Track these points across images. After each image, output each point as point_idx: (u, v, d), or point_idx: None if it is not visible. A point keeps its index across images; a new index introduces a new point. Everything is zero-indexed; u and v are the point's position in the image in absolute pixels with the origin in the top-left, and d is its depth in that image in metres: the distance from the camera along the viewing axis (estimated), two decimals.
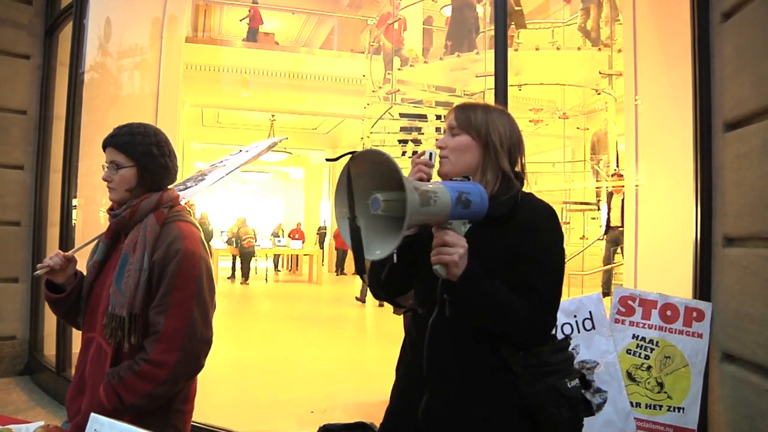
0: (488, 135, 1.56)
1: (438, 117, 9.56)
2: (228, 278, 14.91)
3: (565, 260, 1.58)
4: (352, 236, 1.27)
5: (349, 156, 1.30)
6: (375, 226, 1.28)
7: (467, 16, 8.88)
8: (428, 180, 1.53)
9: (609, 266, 8.15)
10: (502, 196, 1.52)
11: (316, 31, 17.07)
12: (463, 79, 9.02)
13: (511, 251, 1.48)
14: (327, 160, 1.70)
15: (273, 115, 14.85)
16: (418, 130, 9.73)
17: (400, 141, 9.74)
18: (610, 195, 9.01)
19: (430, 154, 1.56)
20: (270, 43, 13.67)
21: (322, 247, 17.84)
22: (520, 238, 1.48)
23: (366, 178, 1.28)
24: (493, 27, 3.25)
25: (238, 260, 14.84)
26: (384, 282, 1.62)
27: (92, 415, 1.21)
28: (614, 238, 8.72)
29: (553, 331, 1.55)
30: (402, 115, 9.54)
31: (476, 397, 1.50)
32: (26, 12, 5.81)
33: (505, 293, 1.42)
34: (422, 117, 9.71)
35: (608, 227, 8.90)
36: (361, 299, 10.89)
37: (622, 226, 8.26)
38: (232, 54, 12.23)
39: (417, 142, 9.69)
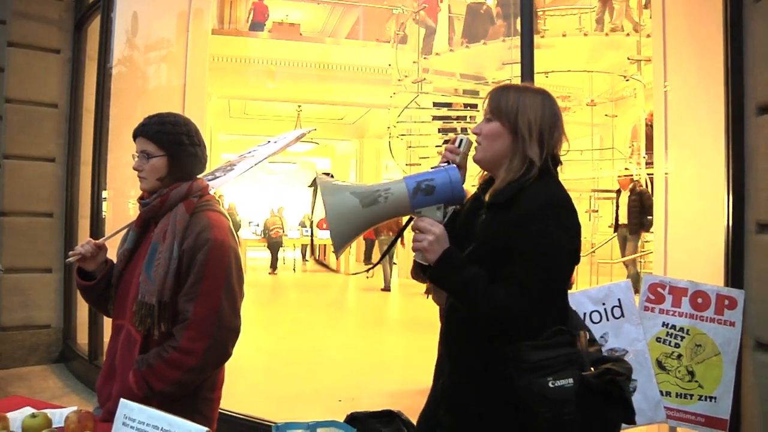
0: (516, 122, 1.54)
1: (466, 106, 9.48)
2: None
3: (573, 250, 1.50)
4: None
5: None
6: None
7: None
8: (455, 164, 1.56)
9: (637, 254, 8.03)
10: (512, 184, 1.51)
11: (341, 21, 17.05)
12: (489, 66, 8.94)
13: (505, 240, 1.46)
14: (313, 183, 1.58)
15: (299, 106, 14.89)
16: (464, 118, 9.62)
17: (440, 130, 9.66)
18: (618, 192, 8.90)
19: (461, 140, 1.61)
20: (295, 33, 13.68)
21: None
22: (514, 227, 1.45)
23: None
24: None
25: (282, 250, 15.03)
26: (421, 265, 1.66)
27: (122, 400, 1.23)
28: (623, 235, 8.62)
29: (581, 325, 1.56)
30: (437, 105, 9.46)
31: (473, 387, 1.52)
32: (57, 7, 5.91)
33: (483, 281, 1.40)
34: (473, 106, 9.62)
35: (617, 225, 8.80)
36: (386, 288, 10.97)
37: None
38: (258, 45, 12.27)
39: (464, 130, 9.62)
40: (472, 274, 1.41)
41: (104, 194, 5.36)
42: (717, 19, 2.93)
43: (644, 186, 8.42)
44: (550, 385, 1.35)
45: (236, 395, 2.23)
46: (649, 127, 7.69)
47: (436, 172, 1.46)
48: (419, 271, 1.59)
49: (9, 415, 1.54)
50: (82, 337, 5.46)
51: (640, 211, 8.33)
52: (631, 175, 8.73)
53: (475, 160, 1.61)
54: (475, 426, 1.51)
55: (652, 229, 7.62)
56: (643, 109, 8.48)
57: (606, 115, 10.06)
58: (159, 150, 1.84)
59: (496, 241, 1.46)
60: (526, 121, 1.53)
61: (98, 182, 5.33)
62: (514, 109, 1.55)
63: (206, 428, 1.06)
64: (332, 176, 1.50)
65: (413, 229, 1.44)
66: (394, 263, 15.88)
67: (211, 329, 1.73)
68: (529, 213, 1.45)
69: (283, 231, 14.79)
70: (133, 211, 5.32)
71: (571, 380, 1.36)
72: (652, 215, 7.86)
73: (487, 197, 1.57)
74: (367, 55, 12.58)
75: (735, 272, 2.74)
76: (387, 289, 11.08)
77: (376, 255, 16.80)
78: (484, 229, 1.52)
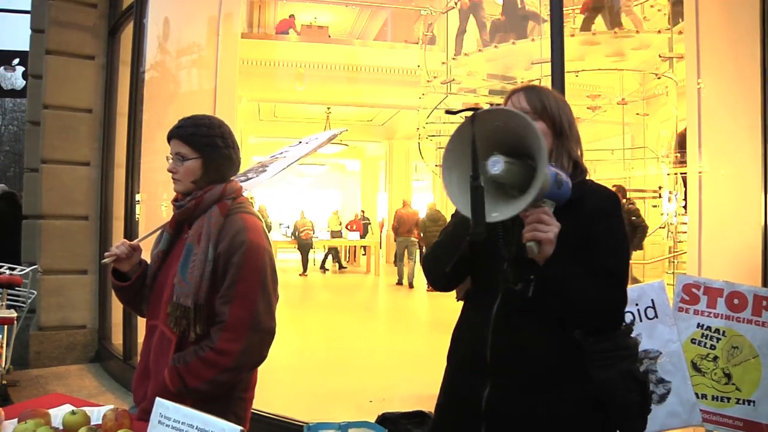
0: (561, 122, 1.56)
1: (491, 106, 9.42)
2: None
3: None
4: (475, 196, 1.22)
5: (471, 112, 1.27)
6: (486, 189, 1.25)
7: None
8: None
9: (670, 255, 7.88)
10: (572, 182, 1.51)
11: (369, 22, 17.09)
12: (519, 66, 8.88)
13: (583, 236, 1.46)
14: (447, 112, 1.44)
15: (329, 108, 14.96)
16: None
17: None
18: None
19: None
20: (324, 36, 13.76)
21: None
22: (591, 223, 1.47)
23: (482, 139, 1.25)
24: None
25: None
26: (450, 272, 1.58)
27: (157, 399, 1.25)
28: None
29: None
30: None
31: (544, 384, 1.47)
32: (91, 14, 6.04)
33: (587, 276, 1.41)
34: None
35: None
36: (409, 284, 11.30)
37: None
38: (287, 48, 12.37)
39: None
40: (580, 270, 1.41)
41: (137, 197, 5.46)
42: (753, 13, 2.87)
43: (634, 203, 8.06)
44: (641, 369, 1.46)
45: (268, 395, 2.25)
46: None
47: (560, 169, 1.43)
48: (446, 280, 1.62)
49: (50, 411, 1.58)
50: (117, 338, 5.57)
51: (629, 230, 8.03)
52: (622, 186, 8.38)
53: None
54: (550, 422, 1.48)
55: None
56: (675, 107, 8.33)
57: (637, 113, 9.91)
58: (194, 152, 1.86)
59: (570, 239, 1.42)
60: (567, 122, 1.57)
61: (132, 185, 5.43)
62: (556, 109, 1.56)
63: (240, 427, 1.07)
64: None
65: (532, 220, 1.33)
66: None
67: (246, 331, 1.75)
68: (602, 209, 1.50)
69: (313, 232, 14.86)
70: (165, 214, 5.40)
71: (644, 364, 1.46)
72: (643, 235, 7.67)
73: None
74: (396, 57, 12.60)
75: None
76: (400, 283, 11.85)
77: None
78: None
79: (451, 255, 1.53)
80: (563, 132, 1.56)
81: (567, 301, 1.42)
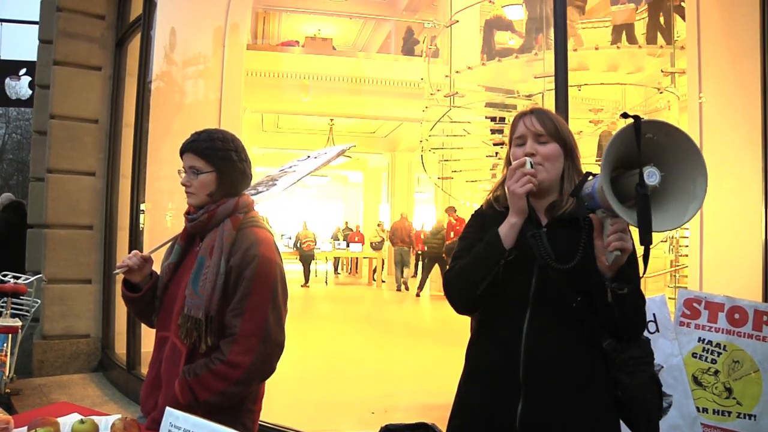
0: (571, 143, 1.62)
1: (492, 119, 9.43)
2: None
3: None
4: (644, 204, 1.26)
5: (637, 120, 1.28)
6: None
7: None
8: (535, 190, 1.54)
9: (671, 269, 7.88)
10: None
11: (373, 35, 17.20)
12: (521, 80, 8.91)
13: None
14: (622, 116, 1.44)
15: (332, 120, 15.03)
16: (500, 132, 9.62)
17: (495, 143, 9.65)
18: None
19: (531, 163, 1.55)
20: (328, 48, 13.84)
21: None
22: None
23: (631, 147, 1.28)
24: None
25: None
26: (480, 295, 1.55)
27: (167, 408, 1.27)
28: None
29: None
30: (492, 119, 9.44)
31: (576, 397, 1.51)
32: (99, 26, 6.11)
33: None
34: (503, 119, 9.61)
35: None
36: (405, 287, 11.35)
37: None
38: (291, 60, 12.44)
39: (500, 144, 9.62)
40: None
41: (142, 207, 5.49)
42: (754, 29, 2.90)
43: None
44: (659, 373, 1.53)
45: (271, 406, 2.26)
46: None
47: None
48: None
49: (59, 420, 1.60)
50: (120, 347, 5.58)
51: None
52: None
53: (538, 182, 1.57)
54: None
55: None
56: (677, 121, 8.36)
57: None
58: (208, 166, 1.87)
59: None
60: (573, 143, 1.63)
61: (137, 195, 5.45)
62: (566, 131, 1.62)
63: None
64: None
65: (618, 229, 1.37)
66: None
67: (257, 344, 1.76)
68: None
69: (314, 244, 14.87)
70: (170, 224, 5.43)
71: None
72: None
73: (544, 217, 1.60)
74: (399, 69, 12.66)
75: None
76: (399, 289, 11.97)
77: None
78: (575, 240, 1.49)
79: (484, 276, 1.53)
80: (573, 153, 1.62)
81: (633, 309, 1.49)
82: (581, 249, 1.45)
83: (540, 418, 1.50)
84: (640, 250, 1.39)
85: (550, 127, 1.59)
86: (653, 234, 1.28)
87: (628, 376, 1.50)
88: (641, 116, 1.28)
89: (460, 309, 1.65)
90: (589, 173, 1.49)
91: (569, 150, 1.61)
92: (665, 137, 1.29)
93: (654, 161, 1.28)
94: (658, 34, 7.76)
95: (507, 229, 1.52)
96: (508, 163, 1.67)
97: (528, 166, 1.52)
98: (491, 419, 1.55)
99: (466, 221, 1.79)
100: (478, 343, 1.67)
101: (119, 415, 1.58)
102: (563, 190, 1.60)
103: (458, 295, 1.61)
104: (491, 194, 1.73)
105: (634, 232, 1.36)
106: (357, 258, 17.73)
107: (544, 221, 1.58)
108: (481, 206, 1.75)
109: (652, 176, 1.27)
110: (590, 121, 9.46)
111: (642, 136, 1.28)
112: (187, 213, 1.94)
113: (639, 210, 1.26)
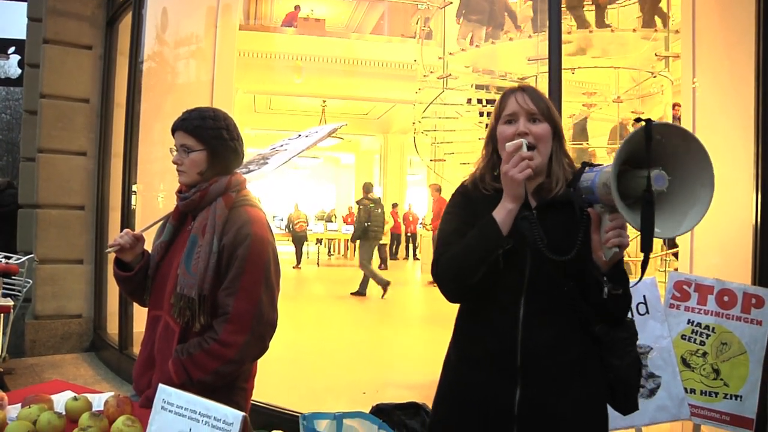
0: (559, 125, 1.60)
1: (479, 101, 9.40)
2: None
3: None
4: (648, 209, 1.25)
5: (648, 123, 1.26)
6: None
7: None
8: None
9: (662, 253, 7.92)
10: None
11: (366, 16, 17.08)
12: (515, 63, 8.89)
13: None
14: (636, 120, 1.31)
15: (324, 101, 14.98)
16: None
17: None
18: None
19: (526, 145, 1.50)
20: (321, 29, 13.75)
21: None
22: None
23: (640, 147, 1.26)
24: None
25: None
26: (476, 283, 1.51)
27: (160, 386, 1.28)
28: None
29: None
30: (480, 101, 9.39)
31: (575, 381, 1.52)
32: (89, 4, 6.04)
33: None
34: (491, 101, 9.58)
35: None
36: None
37: None
38: (283, 41, 12.37)
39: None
40: None
41: (134, 188, 5.47)
42: (749, 14, 2.90)
43: None
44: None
45: (264, 386, 2.28)
46: (677, 120, 7.57)
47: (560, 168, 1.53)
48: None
49: (53, 397, 1.61)
50: (112, 327, 5.59)
51: None
52: None
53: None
54: (579, 423, 1.54)
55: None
56: (668, 103, 8.36)
57: (632, 112, 9.95)
58: (199, 144, 1.86)
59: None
60: (560, 124, 1.61)
61: (128, 175, 5.43)
62: (555, 111, 1.60)
63: (243, 413, 1.11)
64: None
65: (617, 225, 1.37)
66: (417, 258, 15.77)
67: (250, 323, 1.77)
68: None
69: (307, 225, 14.88)
70: (162, 205, 5.42)
71: None
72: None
73: (533, 202, 1.56)
74: (392, 51, 12.61)
75: (763, 271, 2.72)
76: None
77: (400, 251, 16.75)
78: (572, 226, 1.48)
79: (480, 265, 1.49)
80: (560, 133, 1.60)
81: (623, 296, 1.49)
82: (579, 243, 1.43)
83: (538, 404, 1.50)
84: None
85: (543, 107, 1.57)
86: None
87: (618, 358, 1.53)
88: (652, 120, 1.26)
89: (453, 298, 1.60)
90: (585, 163, 1.48)
91: (558, 131, 1.59)
92: (676, 140, 1.27)
93: (662, 164, 1.26)
94: (656, 18, 7.73)
95: (504, 216, 1.48)
96: (491, 140, 1.65)
97: (524, 149, 1.47)
98: (488, 406, 1.54)
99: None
100: (470, 330, 1.63)
101: (113, 393, 1.60)
102: (551, 172, 1.57)
103: (452, 284, 1.56)
104: (476, 173, 1.67)
105: (630, 229, 1.37)
106: (348, 240, 17.77)
107: (532, 204, 1.55)
108: (465, 185, 1.69)
109: (659, 180, 1.25)
110: (583, 105, 9.47)
111: (652, 139, 1.25)
112: (179, 192, 1.94)
113: (643, 216, 1.25)
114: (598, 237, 1.42)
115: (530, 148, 1.51)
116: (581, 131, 9.59)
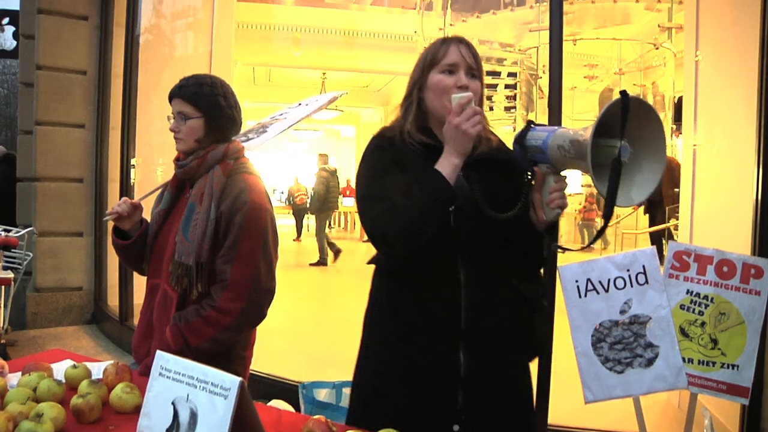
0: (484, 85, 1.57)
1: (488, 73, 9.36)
2: None
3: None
4: (615, 176, 1.25)
5: (627, 97, 1.25)
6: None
7: None
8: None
9: (664, 225, 7.92)
10: None
11: None
12: (516, 33, 8.82)
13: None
14: (622, 93, 1.29)
15: (324, 73, 14.85)
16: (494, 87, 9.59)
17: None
18: None
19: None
20: (320, 0, 13.58)
21: None
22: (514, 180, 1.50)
23: (613, 119, 1.26)
24: None
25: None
26: (424, 243, 1.41)
27: (158, 352, 1.28)
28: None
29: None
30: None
31: (511, 340, 1.54)
32: None
33: None
34: (496, 73, 9.53)
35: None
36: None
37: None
38: (282, 12, 12.21)
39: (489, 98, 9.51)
40: None
41: (133, 161, 5.46)
42: None
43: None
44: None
45: (263, 356, 2.29)
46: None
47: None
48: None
49: (52, 365, 1.62)
50: (113, 300, 5.62)
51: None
52: None
53: None
54: (519, 385, 1.59)
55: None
56: (673, 78, 8.30)
57: (634, 84, 9.88)
58: (196, 111, 1.85)
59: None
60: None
61: (127, 148, 5.41)
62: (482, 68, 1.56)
63: (240, 378, 1.11)
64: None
65: (561, 188, 1.39)
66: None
67: (248, 291, 1.78)
68: (516, 167, 1.50)
69: (307, 197, 14.84)
70: (161, 178, 5.40)
71: None
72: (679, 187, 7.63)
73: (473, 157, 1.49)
74: (393, 22, 12.46)
75: (762, 242, 2.73)
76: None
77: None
78: (506, 184, 1.50)
79: (432, 222, 1.40)
80: (483, 94, 1.58)
81: (544, 251, 1.54)
82: (522, 201, 1.41)
83: (482, 366, 1.48)
84: None
85: (479, 63, 1.53)
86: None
87: (540, 314, 1.61)
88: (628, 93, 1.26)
89: (398, 263, 1.52)
90: (531, 122, 1.45)
91: (483, 91, 1.55)
92: (641, 114, 1.27)
93: (626, 137, 1.27)
94: None
95: (450, 171, 1.39)
96: (417, 88, 1.56)
97: (473, 103, 1.40)
98: (434, 372, 1.49)
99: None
100: (406, 298, 1.53)
101: (112, 361, 1.61)
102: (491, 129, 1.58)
103: (401, 243, 1.41)
104: (402, 125, 1.56)
105: None
106: (348, 212, 17.76)
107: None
108: (384, 137, 1.57)
109: (625, 152, 1.26)
110: (585, 77, 9.40)
111: (629, 112, 1.25)
112: (177, 159, 1.93)
113: (610, 183, 1.24)
114: (540, 196, 1.41)
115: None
116: None
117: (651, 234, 7.87)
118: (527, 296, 1.57)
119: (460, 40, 1.54)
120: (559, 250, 1.47)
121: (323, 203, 9.90)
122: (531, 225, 1.46)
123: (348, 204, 16.01)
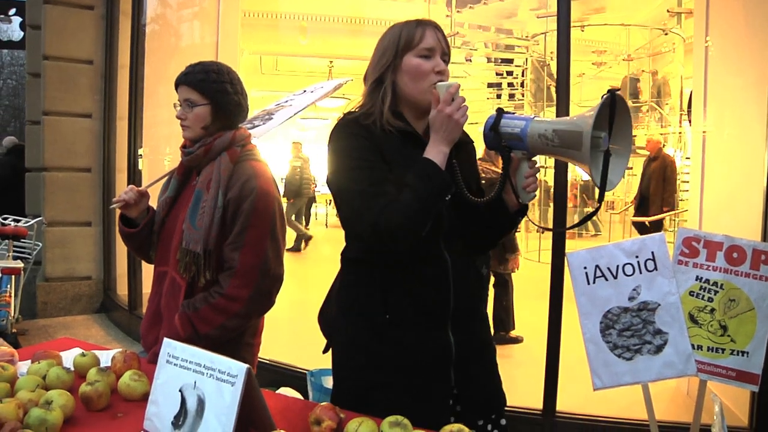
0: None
1: (489, 60, 9.32)
2: None
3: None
4: (605, 163, 1.35)
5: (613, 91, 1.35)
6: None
7: None
8: None
9: (671, 212, 7.85)
10: None
11: None
12: (523, 20, 8.76)
13: None
14: (610, 90, 1.36)
15: (331, 61, 14.79)
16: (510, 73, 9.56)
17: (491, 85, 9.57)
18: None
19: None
20: None
21: None
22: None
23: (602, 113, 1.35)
24: None
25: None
26: (422, 233, 1.41)
27: (165, 340, 1.28)
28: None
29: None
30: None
31: (485, 320, 1.67)
32: None
33: None
34: (508, 60, 9.50)
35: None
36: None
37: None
38: (289, 0, 12.16)
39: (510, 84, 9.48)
40: None
41: (140, 152, 5.46)
42: None
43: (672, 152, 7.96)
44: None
45: (271, 344, 2.30)
46: None
47: None
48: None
49: (61, 354, 1.63)
50: (122, 289, 5.65)
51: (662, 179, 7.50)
52: (659, 141, 8.15)
53: None
54: (492, 355, 1.68)
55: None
56: (682, 64, 8.21)
57: (643, 70, 9.80)
58: (203, 98, 1.84)
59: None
60: None
61: (134, 137, 5.42)
62: None
63: (247, 365, 1.11)
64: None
65: (535, 173, 1.49)
66: None
67: (256, 277, 1.78)
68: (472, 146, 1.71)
69: (315, 186, 14.83)
70: (168, 167, 5.41)
71: None
72: (674, 190, 7.47)
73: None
74: (399, 10, 12.38)
75: None
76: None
77: None
78: (472, 164, 1.67)
79: (431, 212, 1.40)
80: None
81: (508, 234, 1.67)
82: (500, 185, 1.47)
83: (468, 347, 1.54)
84: None
85: (449, 48, 1.55)
86: None
87: (496, 289, 1.72)
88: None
89: (393, 255, 1.48)
90: (501, 109, 1.48)
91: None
92: (619, 110, 1.37)
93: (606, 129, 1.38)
94: None
95: (441, 159, 1.40)
96: (391, 71, 1.54)
97: (458, 92, 1.41)
98: (429, 357, 1.50)
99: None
100: (394, 287, 1.50)
101: (120, 349, 1.61)
102: None
103: (406, 241, 1.40)
104: (382, 109, 1.52)
105: None
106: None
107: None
108: (358, 122, 1.53)
109: (605, 141, 1.36)
110: (593, 63, 9.32)
111: (617, 107, 1.34)
112: (183, 146, 1.92)
113: (603, 170, 1.35)
114: (513, 180, 1.50)
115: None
116: None
117: (645, 227, 7.77)
118: (484, 273, 1.65)
119: (432, 24, 1.53)
120: (541, 231, 1.59)
121: (299, 190, 10.07)
122: (502, 208, 1.54)
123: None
